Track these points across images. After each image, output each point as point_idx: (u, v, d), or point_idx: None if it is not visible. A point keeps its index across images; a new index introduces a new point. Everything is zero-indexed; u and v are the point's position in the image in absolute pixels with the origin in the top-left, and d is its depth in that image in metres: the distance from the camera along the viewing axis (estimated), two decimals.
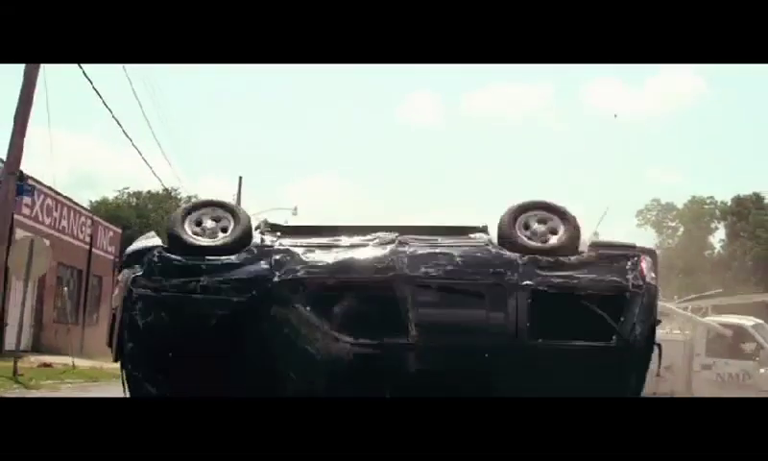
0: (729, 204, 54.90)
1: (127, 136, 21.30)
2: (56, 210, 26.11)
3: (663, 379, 15.33)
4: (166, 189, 48.81)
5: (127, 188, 53.08)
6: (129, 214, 48.35)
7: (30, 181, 22.26)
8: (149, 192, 53.20)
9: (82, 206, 30.52)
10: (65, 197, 27.61)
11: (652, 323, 5.71)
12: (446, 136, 71.67)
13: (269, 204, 73.03)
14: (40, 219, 24.25)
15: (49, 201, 25.56)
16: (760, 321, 16.83)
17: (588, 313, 5.59)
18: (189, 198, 50.36)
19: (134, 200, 53.30)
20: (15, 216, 22.99)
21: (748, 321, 16.64)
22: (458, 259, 5.74)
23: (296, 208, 44.80)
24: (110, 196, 51.52)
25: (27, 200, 23.47)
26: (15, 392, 14.15)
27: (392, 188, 77.03)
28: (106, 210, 43.63)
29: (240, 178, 42.36)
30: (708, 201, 56.81)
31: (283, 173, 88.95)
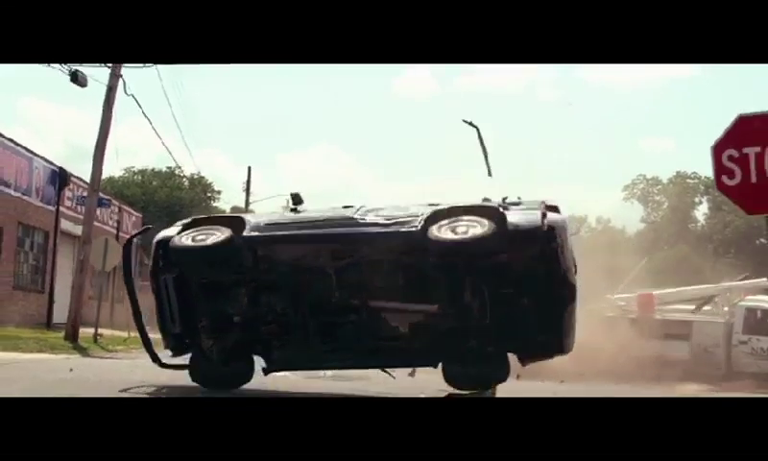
0: (712, 178, 56.42)
1: (144, 115, 22.93)
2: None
3: (711, 354, 18.80)
4: (169, 167, 50.39)
5: (132, 167, 54.54)
6: (134, 191, 49.82)
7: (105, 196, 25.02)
8: (153, 170, 54.68)
9: (110, 196, 32.42)
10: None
11: None
12: (447, 107, 72.54)
13: (272, 179, 74.08)
14: (79, 210, 26.04)
15: (85, 192, 27.24)
16: None
17: None
18: (193, 175, 52.02)
19: (139, 177, 54.63)
20: (60, 208, 25.00)
21: None
22: None
23: (299, 195, 46.72)
24: (115, 173, 52.65)
25: (69, 193, 25.48)
26: (105, 355, 17.61)
27: (393, 160, 78.71)
28: (112, 188, 44.96)
29: (249, 168, 43.70)
30: (691, 175, 57.78)
31: (285, 145, 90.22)
